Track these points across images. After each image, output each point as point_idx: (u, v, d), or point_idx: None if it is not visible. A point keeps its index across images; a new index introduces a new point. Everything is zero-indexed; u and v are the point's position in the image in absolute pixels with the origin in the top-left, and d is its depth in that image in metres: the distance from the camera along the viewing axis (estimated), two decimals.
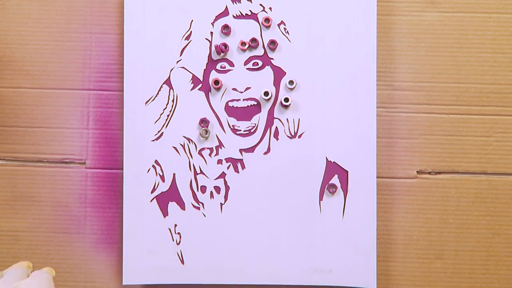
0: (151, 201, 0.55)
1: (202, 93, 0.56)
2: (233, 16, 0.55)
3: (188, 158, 0.56)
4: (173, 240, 0.56)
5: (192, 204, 0.56)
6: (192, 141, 0.56)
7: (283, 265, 0.55)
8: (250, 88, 0.55)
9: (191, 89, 0.56)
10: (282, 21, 0.55)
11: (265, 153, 0.56)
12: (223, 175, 0.56)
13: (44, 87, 0.57)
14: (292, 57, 0.55)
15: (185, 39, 0.55)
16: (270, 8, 0.55)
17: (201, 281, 0.56)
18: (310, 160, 0.55)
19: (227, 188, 0.56)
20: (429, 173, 0.57)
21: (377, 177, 0.56)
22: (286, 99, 0.55)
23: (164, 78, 0.55)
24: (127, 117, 0.55)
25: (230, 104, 0.56)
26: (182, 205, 0.56)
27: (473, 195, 0.57)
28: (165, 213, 0.56)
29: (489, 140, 0.57)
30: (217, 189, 0.56)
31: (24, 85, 0.57)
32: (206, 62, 0.56)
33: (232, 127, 0.56)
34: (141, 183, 0.55)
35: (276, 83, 0.56)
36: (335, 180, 0.55)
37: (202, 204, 0.56)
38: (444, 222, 0.57)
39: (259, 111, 0.56)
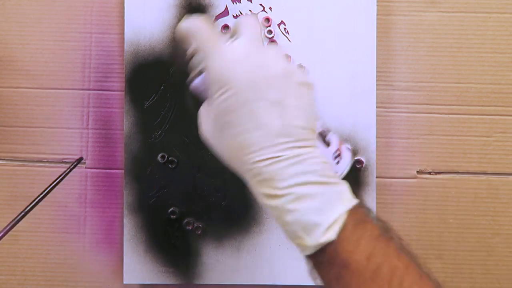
0: (151, 201, 0.55)
1: None
2: (233, 16, 0.55)
3: (188, 158, 0.56)
4: (173, 240, 0.56)
5: (192, 204, 0.56)
6: (192, 141, 0.56)
7: (283, 265, 0.55)
8: None
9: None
10: (282, 21, 0.55)
11: None
12: (223, 175, 0.56)
13: (44, 87, 0.57)
14: (292, 57, 0.55)
15: None
16: (270, 8, 0.55)
17: (201, 281, 0.56)
18: None
19: (227, 188, 0.56)
20: (429, 173, 0.57)
21: (377, 177, 0.56)
22: None
23: (164, 78, 0.55)
24: (127, 117, 0.55)
25: None
26: (182, 205, 0.56)
27: (473, 195, 0.57)
28: (165, 213, 0.56)
29: (489, 140, 0.57)
30: (217, 188, 0.56)
31: (24, 85, 0.57)
32: None
33: None
34: (141, 183, 0.55)
35: None
36: None
37: (202, 204, 0.56)
38: (443, 222, 0.57)
39: None
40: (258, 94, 0.34)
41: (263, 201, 0.35)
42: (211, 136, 0.36)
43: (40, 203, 0.57)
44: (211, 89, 0.35)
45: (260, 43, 0.36)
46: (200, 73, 0.38)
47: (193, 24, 0.37)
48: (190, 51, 0.38)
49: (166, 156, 0.55)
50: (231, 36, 0.38)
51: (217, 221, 0.56)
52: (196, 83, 0.39)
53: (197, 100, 0.39)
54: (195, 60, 0.38)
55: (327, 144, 0.43)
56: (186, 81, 0.40)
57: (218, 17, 0.55)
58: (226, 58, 0.35)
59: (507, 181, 0.57)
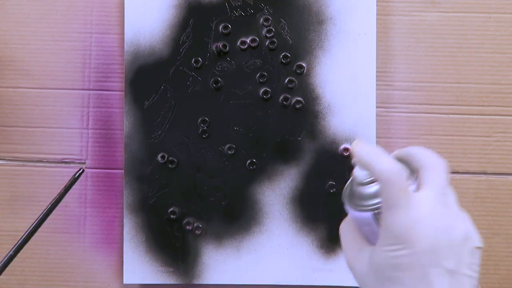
0: (151, 201, 0.55)
1: (202, 93, 0.56)
2: (233, 16, 0.55)
3: (188, 158, 0.56)
4: (173, 240, 0.56)
5: (192, 204, 0.56)
6: (192, 141, 0.56)
7: (283, 265, 0.55)
8: (250, 88, 0.55)
9: (191, 89, 0.56)
10: (282, 21, 0.55)
11: None
12: (223, 175, 0.56)
13: (44, 87, 0.57)
14: (292, 58, 0.55)
15: (185, 39, 0.55)
16: (270, 8, 0.55)
17: (201, 281, 0.56)
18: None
19: (227, 188, 0.56)
20: None
21: None
22: (286, 99, 0.55)
23: (164, 78, 0.55)
24: (127, 117, 0.55)
25: (230, 104, 0.56)
26: (182, 205, 0.56)
27: (473, 195, 0.57)
28: (165, 213, 0.56)
29: (489, 140, 0.57)
30: (217, 188, 0.56)
31: (24, 85, 0.57)
32: (206, 62, 0.56)
33: (232, 127, 0.56)
34: (141, 183, 0.55)
35: (276, 83, 0.56)
36: (335, 179, 0.55)
37: (202, 204, 0.56)
38: None
39: (259, 111, 0.56)
40: (435, 260, 0.32)
41: None
42: (365, 279, 0.34)
43: (40, 203, 0.57)
44: (383, 239, 0.33)
45: (446, 197, 0.34)
46: (372, 209, 0.34)
47: (393, 170, 0.32)
48: (366, 178, 0.34)
49: (166, 156, 0.55)
50: (411, 173, 0.34)
51: (217, 221, 0.56)
52: (361, 217, 0.34)
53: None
54: (368, 191, 0.34)
55: None
56: (346, 200, 0.35)
57: (218, 17, 0.55)
58: (411, 216, 0.32)
59: (507, 181, 0.57)
